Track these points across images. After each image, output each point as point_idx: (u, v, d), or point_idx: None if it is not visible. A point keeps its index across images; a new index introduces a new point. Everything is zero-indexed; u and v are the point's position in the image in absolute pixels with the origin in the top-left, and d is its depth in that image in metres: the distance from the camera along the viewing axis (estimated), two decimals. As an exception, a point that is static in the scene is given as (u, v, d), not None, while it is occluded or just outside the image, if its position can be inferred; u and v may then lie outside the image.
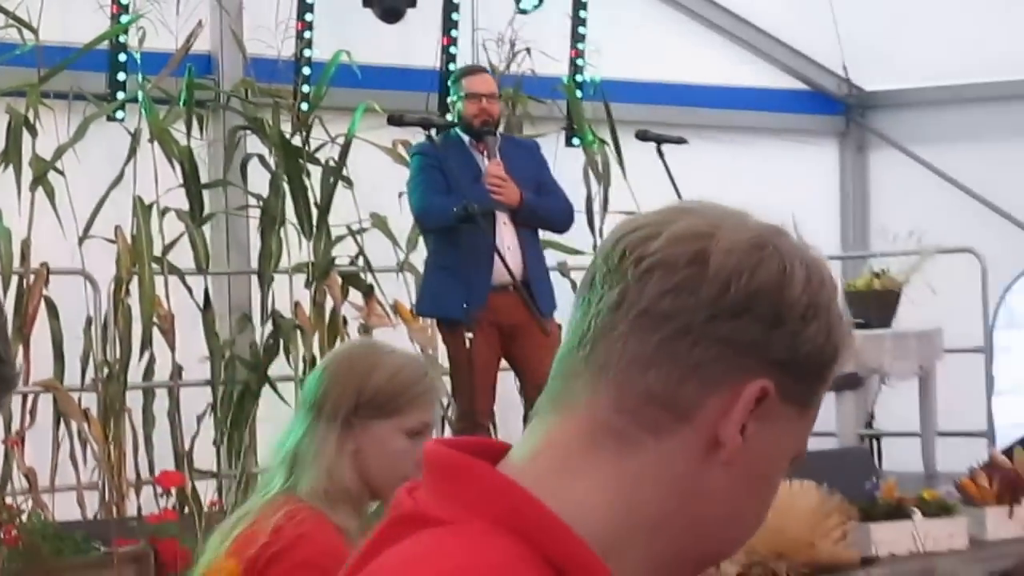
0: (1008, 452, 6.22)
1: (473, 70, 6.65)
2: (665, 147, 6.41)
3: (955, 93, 9.91)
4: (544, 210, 6.20)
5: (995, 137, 9.60)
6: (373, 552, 1.15)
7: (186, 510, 5.79)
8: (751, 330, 1.10)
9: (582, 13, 8.30)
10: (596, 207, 7.71)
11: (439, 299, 6.12)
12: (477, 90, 6.20)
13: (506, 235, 6.05)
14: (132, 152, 6.48)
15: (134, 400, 6.49)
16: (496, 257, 5.90)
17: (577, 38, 8.27)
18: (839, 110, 10.33)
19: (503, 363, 6.29)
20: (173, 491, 5.78)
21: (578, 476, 1.12)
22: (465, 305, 5.91)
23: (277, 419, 6.48)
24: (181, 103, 6.74)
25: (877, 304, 7.59)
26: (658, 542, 1.12)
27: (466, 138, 6.20)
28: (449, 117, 6.43)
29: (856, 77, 10.14)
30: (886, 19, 9.48)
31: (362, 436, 2.50)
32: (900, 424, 8.11)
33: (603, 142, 7.76)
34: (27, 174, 6.21)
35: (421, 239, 7.05)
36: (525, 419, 5.85)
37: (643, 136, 6.60)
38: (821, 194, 10.13)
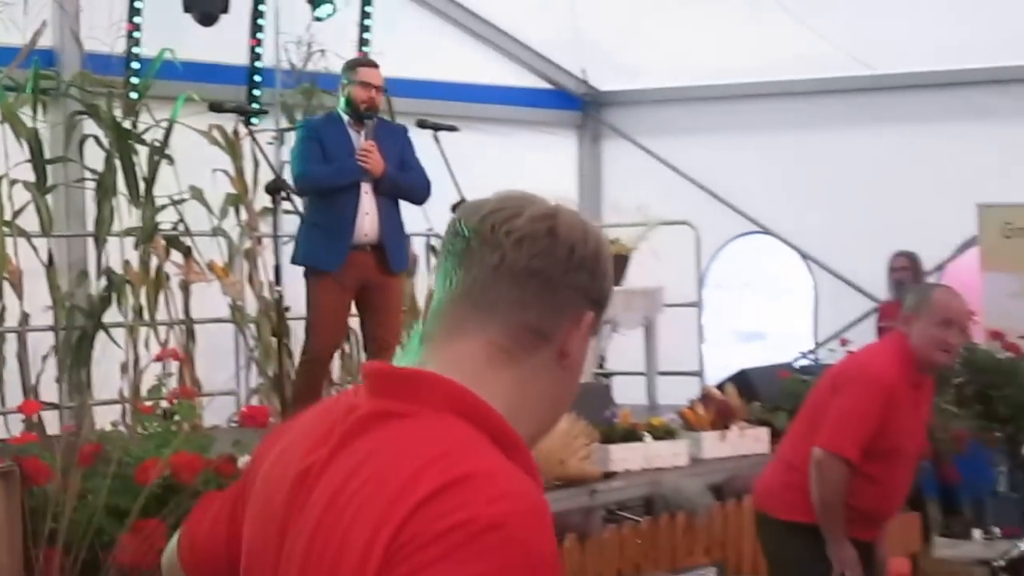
0: (720, 387, 6.63)
1: (368, 63, 6.61)
2: (440, 134, 6.65)
3: (677, 94, 10.69)
4: (405, 183, 6.27)
5: (709, 131, 10.35)
6: (343, 442, 1.37)
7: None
8: (585, 279, 1.42)
9: (367, 21, 8.86)
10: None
11: (310, 252, 6.23)
12: (370, 81, 6.23)
13: (367, 202, 6.14)
14: (-15, 131, 6.70)
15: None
16: (357, 220, 6.11)
17: (363, 42, 8.84)
18: (578, 106, 11.09)
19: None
20: (21, 419, 5.88)
21: (487, 381, 1.38)
22: (330, 258, 6.11)
23: (110, 359, 7.04)
24: (28, 90, 6.93)
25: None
26: (534, 420, 1.43)
27: (346, 118, 6.24)
28: (340, 97, 6.36)
29: (593, 79, 10.89)
30: (620, 29, 10.05)
31: None
32: (628, 365, 8.51)
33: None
34: None
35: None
36: (368, 356, 6.51)
37: (422, 124, 6.75)
38: (563, 175, 10.80)
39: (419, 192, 6.38)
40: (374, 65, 6.48)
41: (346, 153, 6.17)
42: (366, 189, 6.16)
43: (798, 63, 9.76)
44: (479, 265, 1.41)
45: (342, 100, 6.31)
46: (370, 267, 6.20)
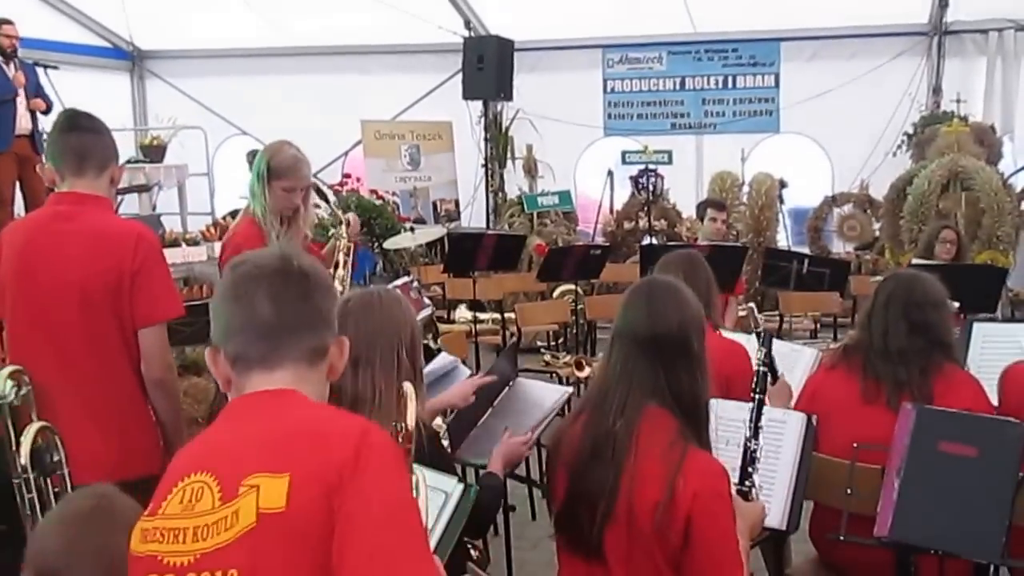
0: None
1: (6, 21, 8.57)
2: (49, 71, 8.86)
3: (199, 53, 13.27)
4: (44, 97, 8.63)
5: (219, 76, 13.06)
6: (226, 424, 1.82)
7: None
8: (332, 310, 1.89)
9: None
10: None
11: None
12: (11, 33, 8.52)
13: (22, 107, 8.58)
14: None
15: None
16: (14, 119, 8.44)
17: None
18: (128, 57, 13.76)
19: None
20: None
21: (305, 386, 1.86)
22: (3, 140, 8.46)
23: None
24: None
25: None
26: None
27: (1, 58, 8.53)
28: None
29: (137, 40, 13.61)
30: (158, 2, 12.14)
31: None
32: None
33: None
34: None
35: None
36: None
37: (36, 64, 8.76)
38: (120, 104, 13.20)
39: (48, 102, 8.86)
40: (10, 22, 8.69)
41: (4, 78, 8.61)
42: (21, 99, 8.62)
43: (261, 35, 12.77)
44: (286, 307, 1.84)
45: None
46: (25, 146, 8.64)
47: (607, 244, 8.43)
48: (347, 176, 12.74)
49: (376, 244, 11.74)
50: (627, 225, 11.61)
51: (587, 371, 6.05)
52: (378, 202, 11.86)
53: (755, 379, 2.92)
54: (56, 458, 2.92)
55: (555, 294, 8.69)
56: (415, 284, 5.35)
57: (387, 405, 2.55)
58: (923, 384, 3.29)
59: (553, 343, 8.26)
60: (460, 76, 12.24)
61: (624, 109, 12.84)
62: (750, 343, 3.69)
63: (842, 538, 3.04)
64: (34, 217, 3.41)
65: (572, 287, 8.48)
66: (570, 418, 2.65)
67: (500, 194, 12.80)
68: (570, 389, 3.55)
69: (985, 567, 3.03)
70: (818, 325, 9.44)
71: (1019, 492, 2.77)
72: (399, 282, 5.10)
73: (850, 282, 8.32)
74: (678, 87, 12.60)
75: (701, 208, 7.45)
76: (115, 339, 3.26)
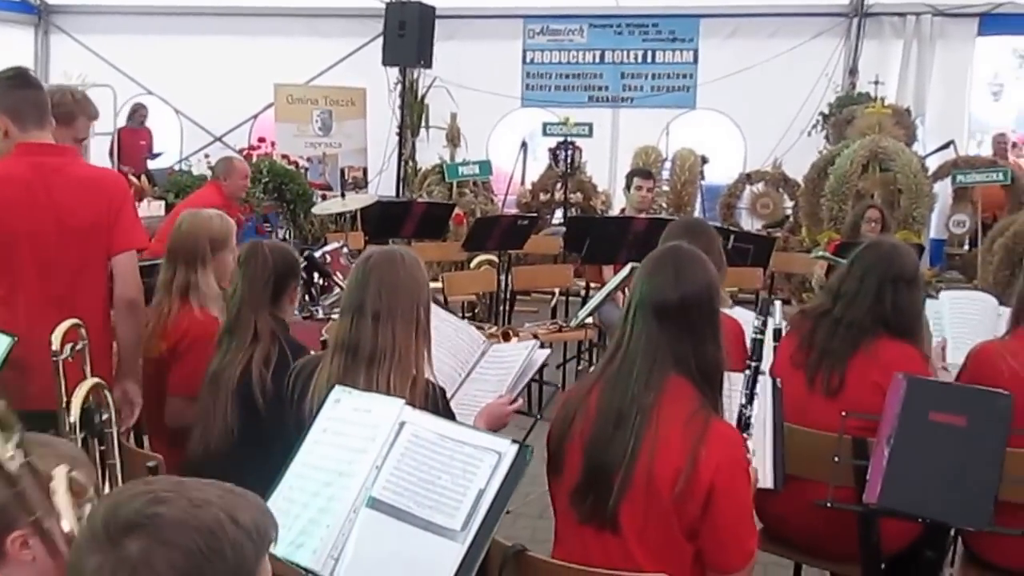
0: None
1: None
2: None
3: (124, 11, 12.78)
4: None
5: (122, 33, 12.53)
6: None
7: None
8: None
9: None
10: None
11: None
12: None
13: None
14: None
15: None
16: None
17: None
18: (34, 11, 13.26)
19: None
20: None
21: None
22: None
23: None
24: None
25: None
26: None
27: None
28: None
29: None
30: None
31: None
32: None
33: None
34: None
35: None
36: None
37: None
38: (24, 58, 12.30)
39: None
40: None
41: None
42: None
43: None
44: None
45: None
46: None
47: (534, 216, 8.00)
48: (261, 140, 12.20)
49: (288, 209, 11.22)
50: (543, 197, 11.14)
51: (513, 341, 5.61)
52: (290, 167, 11.35)
53: (752, 347, 2.82)
54: (105, 417, 2.84)
55: (472, 264, 8.29)
56: (345, 250, 4.93)
57: (405, 359, 2.56)
58: (840, 361, 3.28)
59: (469, 313, 7.80)
60: (377, 42, 11.86)
61: (542, 80, 12.50)
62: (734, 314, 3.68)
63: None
64: (16, 166, 3.44)
65: (489, 257, 8.07)
66: (581, 389, 2.53)
67: (411, 163, 12.28)
68: (548, 351, 3.39)
69: (944, 533, 3.04)
70: (732, 301, 9.05)
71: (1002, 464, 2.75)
72: (330, 247, 4.82)
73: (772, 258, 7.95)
74: (598, 60, 12.24)
75: (628, 177, 7.04)
76: (101, 270, 3.53)
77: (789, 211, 11.16)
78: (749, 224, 11.39)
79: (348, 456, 2.13)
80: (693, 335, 2.39)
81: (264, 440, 2.93)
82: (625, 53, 12.10)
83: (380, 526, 2.01)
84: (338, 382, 2.47)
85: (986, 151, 11.41)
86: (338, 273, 5.15)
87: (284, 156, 11.70)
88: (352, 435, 2.17)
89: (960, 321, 4.24)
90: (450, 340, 3.35)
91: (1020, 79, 12.51)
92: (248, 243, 3.45)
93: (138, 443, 3.56)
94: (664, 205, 10.54)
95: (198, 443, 3.15)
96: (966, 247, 10.54)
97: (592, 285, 6.96)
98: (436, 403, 2.54)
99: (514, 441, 2.01)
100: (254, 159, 11.05)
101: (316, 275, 5.08)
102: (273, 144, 11.91)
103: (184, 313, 3.56)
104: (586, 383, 2.54)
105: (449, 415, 2.64)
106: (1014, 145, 11.45)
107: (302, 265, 3.86)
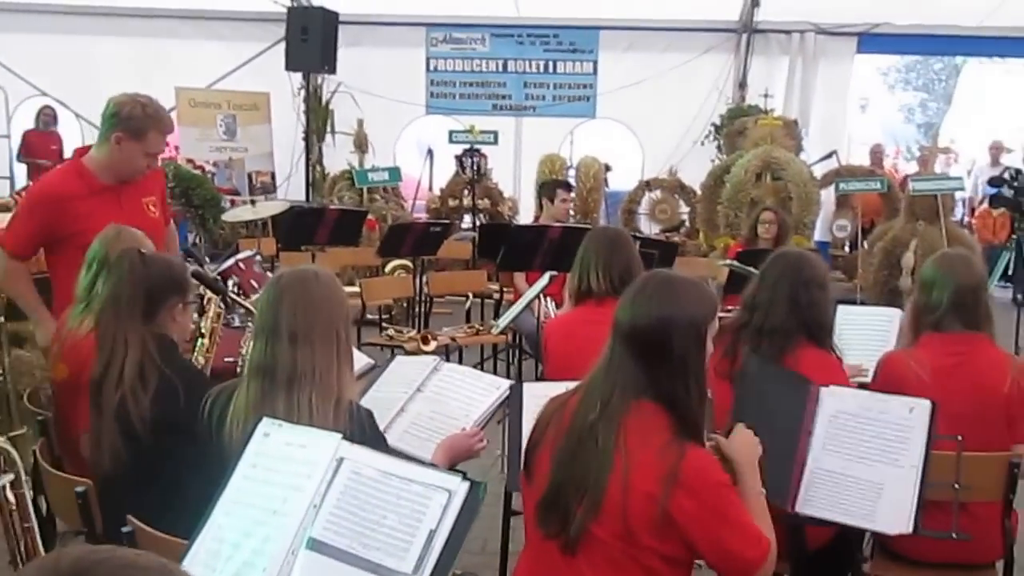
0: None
1: None
2: None
3: (15, 8, 12.04)
4: None
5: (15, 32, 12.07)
6: None
7: None
8: None
9: None
10: None
11: None
12: None
13: None
14: None
15: None
16: None
17: None
18: None
19: None
20: None
21: None
22: None
23: None
24: None
25: None
26: None
27: None
28: None
29: None
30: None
31: None
32: None
33: None
34: None
35: None
36: None
37: None
38: None
39: None
40: None
41: None
42: None
43: None
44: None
45: None
46: None
47: (448, 222, 7.87)
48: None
49: (196, 215, 10.86)
50: (451, 203, 11.00)
51: (433, 345, 5.56)
52: (196, 172, 11.00)
53: None
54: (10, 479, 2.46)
55: (387, 269, 8.11)
56: (258, 259, 4.71)
57: (326, 380, 2.39)
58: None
59: (386, 316, 7.64)
60: (280, 46, 11.65)
61: (447, 88, 12.37)
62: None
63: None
64: None
65: (403, 263, 7.91)
66: (563, 397, 2.43)
67: (319, 168, 12.02)
68: (510, 382, 3.18)
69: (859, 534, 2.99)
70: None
71: (928, 465, 2.70)
72: (242, 256, 4.59)
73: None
74: (501, 69, 12.15)
75: (549, 188, 7.04)
76: None
77: (685, 216, 11.29)
78: (648, 228, 11.50)
79: (282, 494, 1.95)
80: (646, 364, 2.25)
81: (155, 465, 2.70)
82: (527, 63, 12.06)
83: (322, 569, 1.86)
84: (256, 407, 2.34)
85: (857, 160, 11.76)
86: (252, 282, 4.93)
87: (189, 160, 11.39)
88: (285, 471, 1.99)
89: (852, 332, 4.17)
90: (395, 374, 3.22)
91: (883, 95, 13.00)
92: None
93: (56, 465, 3.16)
94: (572, 212, 10.51)
95: (94, 461, 2.79)
96: (847, 249, 10.80)
97: (505, 289, 6.90)
98: (363, 425, 2.37)
99: (465, 478, 1.87)
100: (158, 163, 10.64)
101: (231, 283, 4.84)
102: (177, 148, 11.51)
103: (90, 337, 3.00)
104: (570, 391, 2.45)
105: (378, 437, 2.50)
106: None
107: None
